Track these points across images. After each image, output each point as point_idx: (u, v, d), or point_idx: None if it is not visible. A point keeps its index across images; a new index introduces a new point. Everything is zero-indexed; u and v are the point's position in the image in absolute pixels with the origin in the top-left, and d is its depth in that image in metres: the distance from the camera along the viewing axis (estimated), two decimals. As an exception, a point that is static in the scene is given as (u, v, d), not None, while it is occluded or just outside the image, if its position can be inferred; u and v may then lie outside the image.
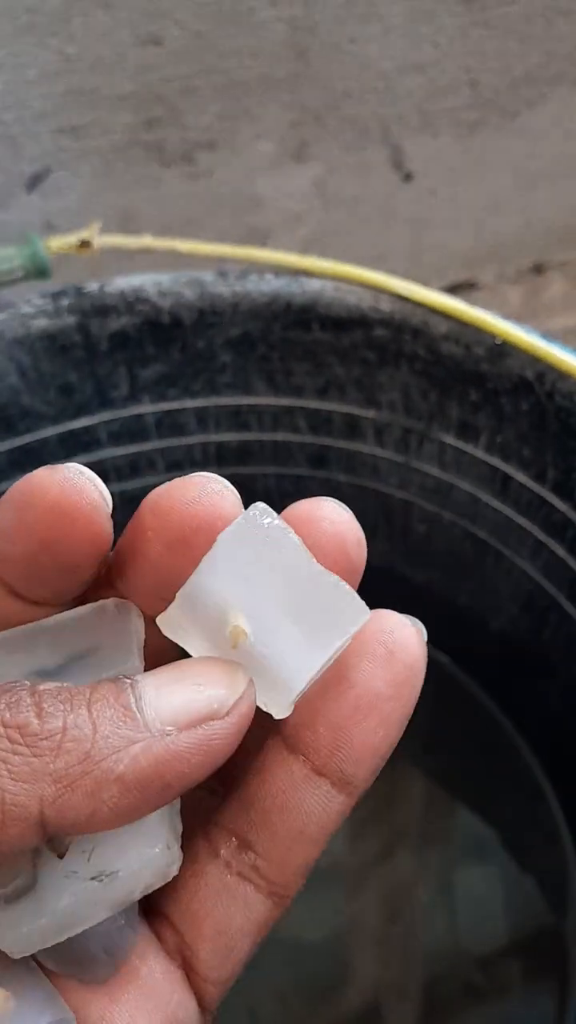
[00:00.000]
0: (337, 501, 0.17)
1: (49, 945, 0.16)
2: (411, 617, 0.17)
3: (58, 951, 0.16)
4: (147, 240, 0.35)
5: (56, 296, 0.34)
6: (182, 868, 0.16)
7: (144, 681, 0.15)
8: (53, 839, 0.15)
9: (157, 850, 0.16)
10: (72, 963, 0.16)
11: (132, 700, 0.15)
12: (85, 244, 0.36)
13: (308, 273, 0.33)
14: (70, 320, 0.34)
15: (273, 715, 0.16)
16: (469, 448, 0.35)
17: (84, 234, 0.36)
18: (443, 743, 0.42)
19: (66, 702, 0.15)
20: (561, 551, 0.34)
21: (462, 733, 0.42)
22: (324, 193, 0.59)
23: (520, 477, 0.34)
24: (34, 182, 0.53)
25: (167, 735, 0.15)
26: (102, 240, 0.36)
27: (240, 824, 0.17)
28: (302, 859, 0.17)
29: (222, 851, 0.17)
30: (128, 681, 0.15)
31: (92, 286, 0.34)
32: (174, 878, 0.16)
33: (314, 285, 0.33)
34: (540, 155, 0.64)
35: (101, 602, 0.17)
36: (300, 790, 0.17)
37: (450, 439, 0.35)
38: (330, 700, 0.17)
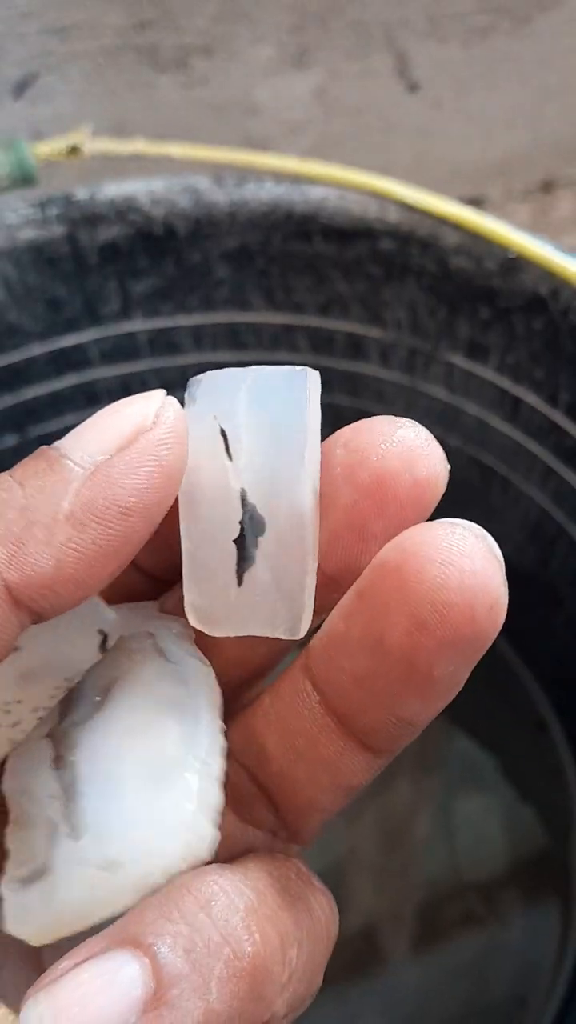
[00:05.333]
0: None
1: (66, 935, 0.14)
2: (479, 535, 0.15)
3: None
4: (139, 145, 0.33)
5: (43, 205, 0.32)
6: None
7: (63, 440, 0.14)
8: (39, 615, 0.14)
9: (182, 836, 0.14)
10: None
11: (54, 453, 0.14)
12: (75, 150, 0.34)
13: (310, 180, 0.31)
14: (58, 230, 0.32)
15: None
16: (478, 369, 0.34)
17: (73, 138, 0.34)
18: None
19: None
20: (572, 478, 0.33)
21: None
22: (325, 102, 0.57)
23: (531, 400, 0.33)
24: (21, 88, 0.51)
25: (102, 462, 0.14)
26: (92, 145, 0.34)
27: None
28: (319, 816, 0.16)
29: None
30: (45, 447, 0.15)
31: (81, 194, 0.32)
32: None
33: (316, 193, 0.31)
34: (552, 65, 0.61)
35: None
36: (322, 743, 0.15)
37: (458, 360, 0.34)
38: (379, 673, 0.14)
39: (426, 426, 0.40)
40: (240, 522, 0.15)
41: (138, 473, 0.14)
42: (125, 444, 0.14)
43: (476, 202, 0.67)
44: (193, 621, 0.16)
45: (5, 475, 0.14)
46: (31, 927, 0.14)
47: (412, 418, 0.39)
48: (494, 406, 0.34)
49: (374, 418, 0.15)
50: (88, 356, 0.35)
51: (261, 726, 0.16)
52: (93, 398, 0.35)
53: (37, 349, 0.34)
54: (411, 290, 0.33)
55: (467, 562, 0.14)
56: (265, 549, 0.15)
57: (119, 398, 0.15)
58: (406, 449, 0.15)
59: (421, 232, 0.31)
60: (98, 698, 0.15)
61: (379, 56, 0.56)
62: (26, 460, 0.14)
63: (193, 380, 0.16)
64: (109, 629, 0.16)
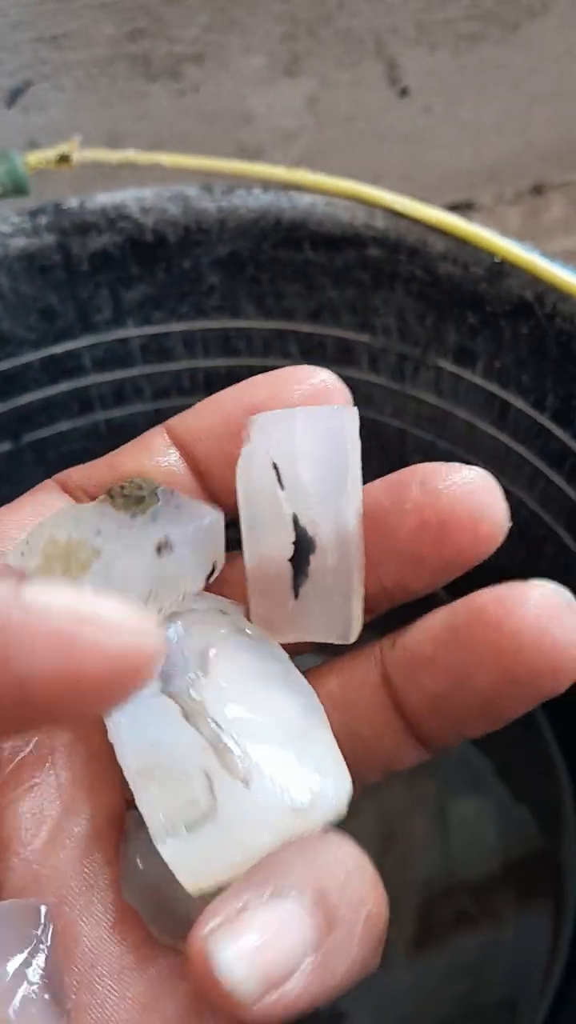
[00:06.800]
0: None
1: (231, 878, 0.15)
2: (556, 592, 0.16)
3: None
4: (129, 154, 0.34)
5: (34, 214, 0.32)
6: None
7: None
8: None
9: (342, 783, 0.16)
10: None
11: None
12: (64, 159, 0.34)
13: (298, 188, 0.31)
14: (49, 239, 0.32)
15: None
16: (466, 374, 0.34)
17: (63, 148, 0.34)
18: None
19: None
20: (559, 480, 0.33)
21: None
22: (317, 110, 0.57)
23: (518, 404, 0.33)
24: (14, 97, 0.51)
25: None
26: (83, 155, 0.34)
27: None
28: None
29: None
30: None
31: (71, 202, 0.32)
32: None
33: (305, 200, 0.31)
34: (541, 71, 0.61)
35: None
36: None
37: (447, 365, 0.34)
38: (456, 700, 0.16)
39: (415, 430, 0.40)
40: (293, 543, 0.17)
41: None
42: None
43: (467, 207, 0.67)
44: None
45: None
46: (197, 871, 0.15)
47: (401, 422, 0.39)
48: (482, 411, 0.34)
49: (452, 464, 0.17)
50: (81, 363, 0.35)
51: (324, 704, 0.17)
52: (87, 404, 0.36)
53: (31, 357, 0.34)
54: (400, 296, 0.33)
55: (559, 629, 0.15)
56: (317, 566, 0.17)
57: (112, 404, 0.15)
58: (475, 504, 0.16)
59: (408, 239, 0.31)
60: (199, 664, 0.17)
61: (370, 64, 0.57)
62: None
63: (249, 420, 0.17)
64: (219, 562, 0.18)
